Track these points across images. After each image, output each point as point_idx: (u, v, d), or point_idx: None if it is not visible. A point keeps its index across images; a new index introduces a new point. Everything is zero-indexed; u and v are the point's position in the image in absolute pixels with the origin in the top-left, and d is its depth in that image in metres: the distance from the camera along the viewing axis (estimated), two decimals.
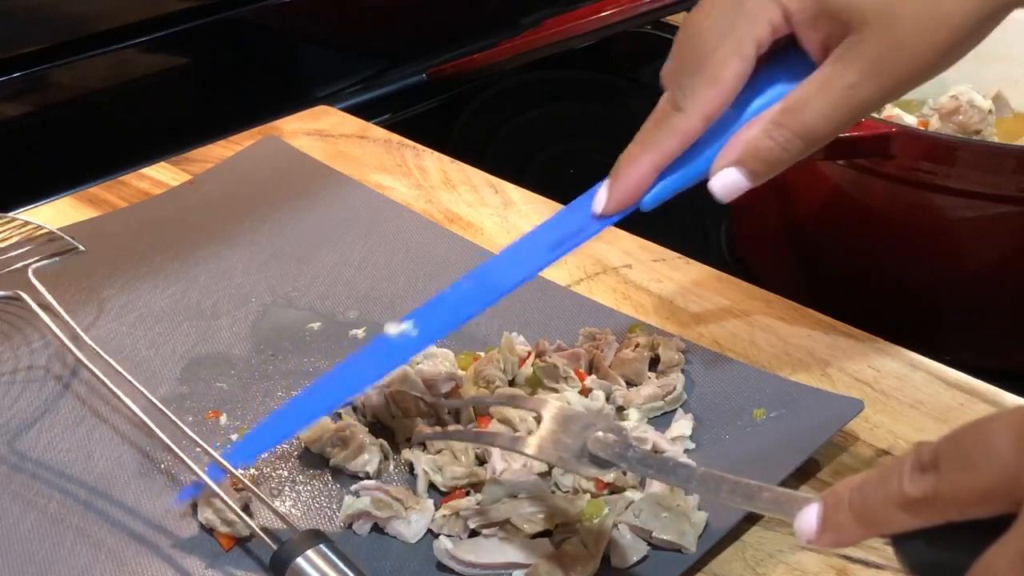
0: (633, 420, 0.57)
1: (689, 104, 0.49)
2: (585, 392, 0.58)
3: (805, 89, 0.48)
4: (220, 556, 0.50)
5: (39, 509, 0.53)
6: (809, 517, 0.37)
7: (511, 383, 0.59)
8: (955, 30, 0.47)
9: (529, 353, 0.61)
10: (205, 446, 0.52)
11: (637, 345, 0.61)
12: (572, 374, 0.59)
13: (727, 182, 0.50)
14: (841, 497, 0.36)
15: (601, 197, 0.52)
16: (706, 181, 0.51)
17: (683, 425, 0.57)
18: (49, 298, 0.61)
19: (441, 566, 0.49)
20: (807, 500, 0.37)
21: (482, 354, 0.61)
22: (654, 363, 0.61)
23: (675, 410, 0.59)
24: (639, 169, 0.51)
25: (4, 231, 0.67)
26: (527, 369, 0.59)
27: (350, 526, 0.52)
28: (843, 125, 0.48)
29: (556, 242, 0.52)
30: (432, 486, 0.54)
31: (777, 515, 0.39)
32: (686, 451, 0.56)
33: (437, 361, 0.59)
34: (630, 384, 0.60)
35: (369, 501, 0.51)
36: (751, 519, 0.52)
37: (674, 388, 0.58)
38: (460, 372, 0.59)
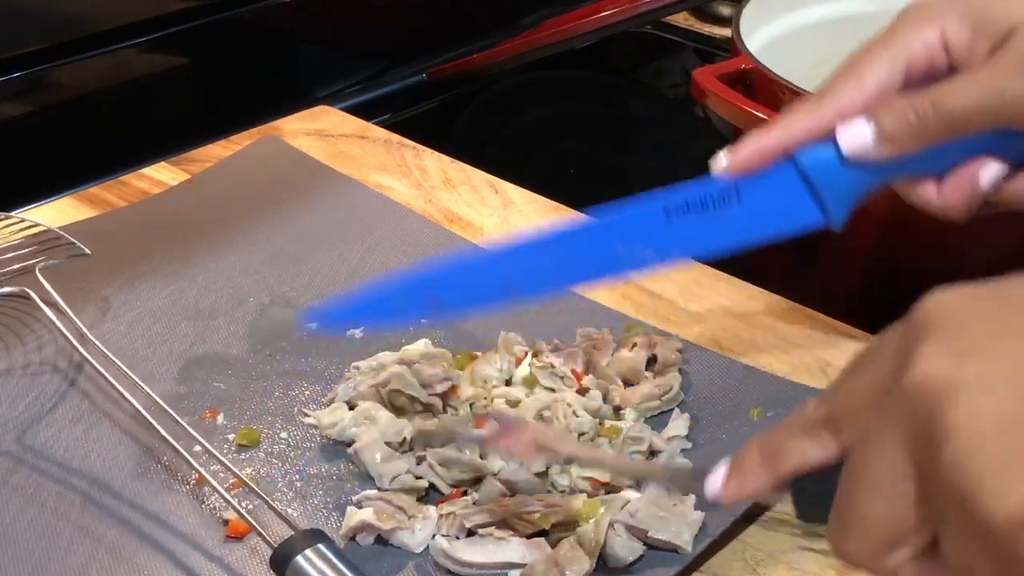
0: (630, 420, 0.57)
1: (828, 96, 0.50)
2: (583, 392, 0.58)
3: (957, 78, 0.48)
4: (219, 552, 0.50)
5: (39, 503, 0.53)
6: (718, 473, 0.37)
7: (507, 383, 0.59)
8: None
9: (526, 353, 0.60)
10: (208, 446, 0.52)
11: (634, 345, 0.61)
12: (569, 374, 0.58)
13: (853, 131, 0.49)
14: (748, 446, 0.37)
15: (721, 157, 0.52)
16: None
17: (679, 425, 0.56)
18: (56, 296, 0.61)
19: (437, 565, 0.49)
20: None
21: (479, 354, 0.61)
22: (652, 363, 0.61)
23: (672, 410, 0.58)
24: (764, 140, 0.51)
25: (10, 231, 0.68)
26: (523, 369, 0.59)
27: (353, 538, 0.51)
28: (983, 117, 0.47)
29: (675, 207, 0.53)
30: (432, 486, 0.54)
31: (681, 485, 0.42)
32: (683, 451, 0.56)
33: (435, 361, 0.59)
34: (627, 383, 0.59)
35: (371, 512, 0.51)
36: (750, 519, 0.52)
37: (671, 388, 0.58)
38: (457, 372, 0.59)
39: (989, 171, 0.49)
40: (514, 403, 0.56)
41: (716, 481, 0.38)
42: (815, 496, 0.33)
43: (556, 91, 1.15)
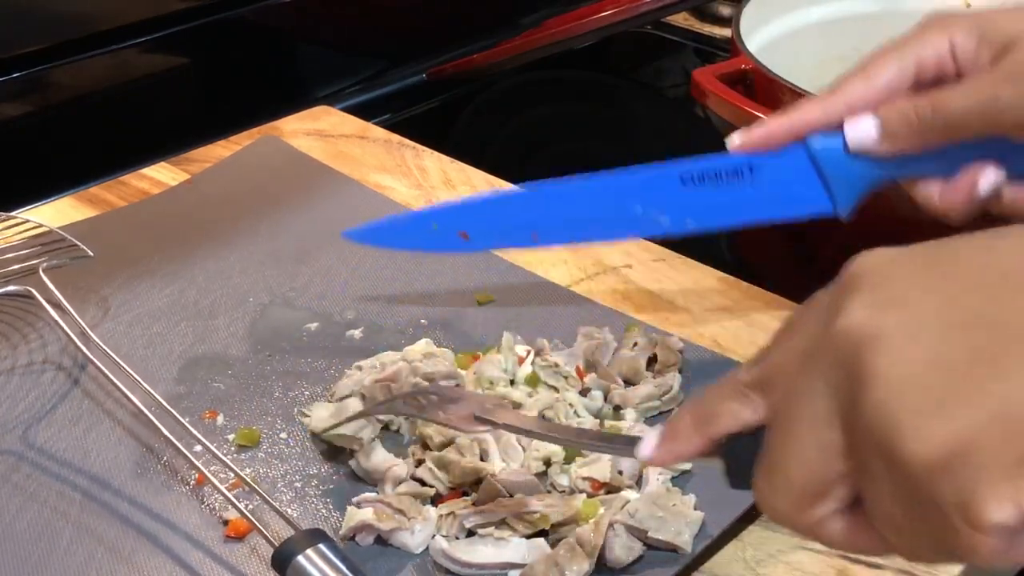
0: (629, 420, 0.57)
1: (839, 88, 0.53)
2: (585, 392, 0.58)
3: (958, 84, 0.51)
4: (219, 552, 0.50)
5: (40, 502, 0.53)
6: (650, 436, 0.38)
7: (511, 383, 0.59)
8: None
9: (529, 352, 0.60)
10: (208, 445, 0.52)
11: (635, 344, 0.61)
12: (573, 373, 0.59)
13: (859, 125, 0.52)
14: (681, 410, 0.38)
15: (735, 135, 0.56)
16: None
17: None
18: (59, 296, 0.61)
19: (437, 566, 0.49)
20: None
21: (480, 354, 0.61)
22: (652, 363, 0.61)
23: (671, 409, 0.58)
24: (776, 123, 0.55)
25: (12, 231, 0.68)
26: (527, 368, 0.59)
27: (353, 538, 0.51)
28: (977, 121, 0.50)
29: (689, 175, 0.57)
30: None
31: (617, 451, 0.44)
32: None
33: (437, 361, 0.59)
34: (628, 383, 0.59)
35: (371, 513, 0.51)
36: (750, 518, 0.52)
37: (671, 388, 0.58)
38: (460, 371, 0.59)
39: (988, 178, 0.51)
40: (517, 404, 0.56)
41: (649, 444, 0.38)
42: (747, 461, 0.34)
43: (556, 91, 1.15)
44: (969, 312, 0.29)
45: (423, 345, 0.61)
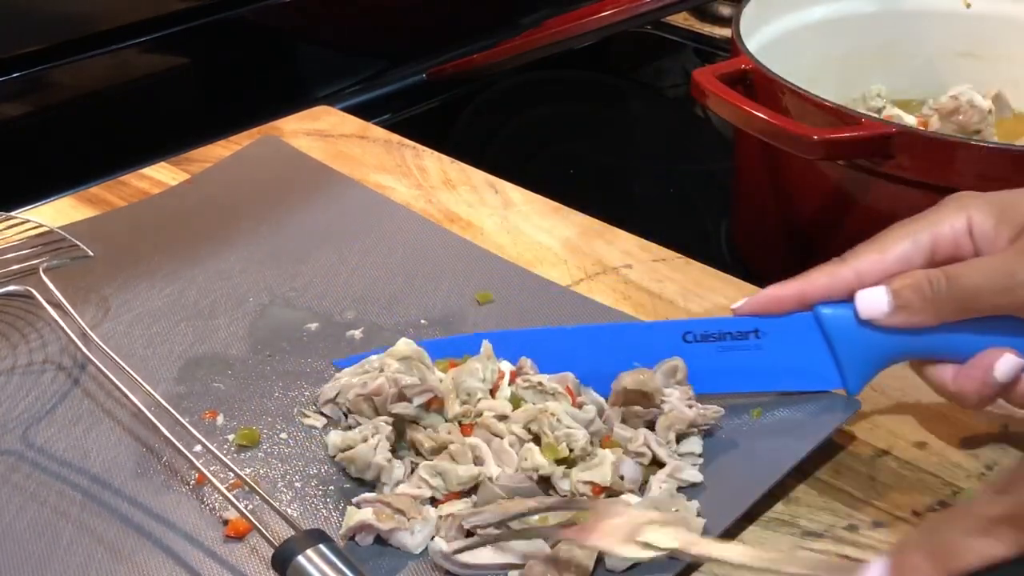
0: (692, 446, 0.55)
1: (851, 258, 0.53)
2: (579, 406, 0.55)
3: (975, 259, 0.51)
4: (219, 552, 0.50)
5: (40, 502, 0.53)
6: (876, 569, 0.36)
7: (492, 393, 0.57)
8: None
9: (513, 374, 0.57)
10: (209, 445, 0.52)
11: None
12: (561, 390, 0.55)
13: (870, 295, 0.52)
14: (909, 547, 0.35)
15: (742, 300, 0.56)
16: None
17: (693, 443, 0.55)
18: (59, 296, 0.61)
19: (437, 566, 0.49)
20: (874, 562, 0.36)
21: (459, 362, 0.58)
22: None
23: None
24: (784, 288, 0.55)
25: (13, 231, 0.68)
26: (505, 391, 0.57)
27: (352, 538, 0.51)
28: (993, 296, 0.49)
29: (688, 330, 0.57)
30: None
31: None
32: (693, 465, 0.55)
33: (412, 364, 0.57)
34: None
35: (371, 513, 0.51)
36: (749, 518, 0.52)
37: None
38: (438, 378, 0.57)
39: (1006, 364, 0.50)
40: (501, 417, 0.55)
41: None
42: None
43: (556, 91, 1.15)
44: None
45: (402, 345, 0.58)
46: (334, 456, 0.55)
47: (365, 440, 0.54)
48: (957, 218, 0.51)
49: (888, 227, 0.53)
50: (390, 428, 0.55)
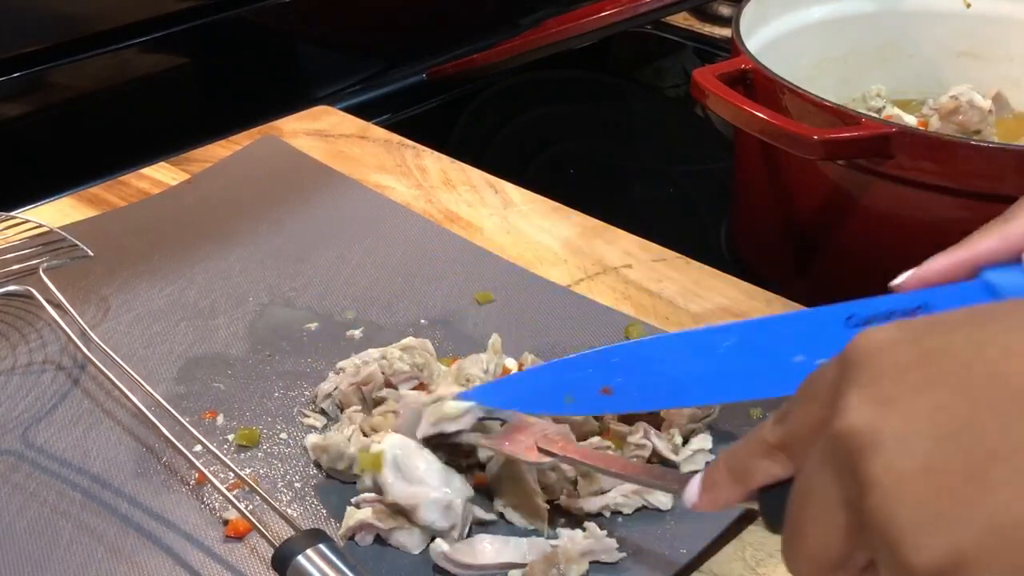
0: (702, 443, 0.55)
1: (1015, 217, 0.48)
2: None
3: None
4: (219, 552, 0.50)
5: (40, 502, 0.53)
6: (694, 483, 0.40)
7: None
8: None
9: (518, 367, 0.58)
10: (209, 445, 0.52)
11: None
12: None
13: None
14: (718, 460, 0.39)
15: (903, 274, 0.51)
16: None
17: (703, 439, 0.55)
18: (59, 296, 0.61)
19: (438, 568, 0.49)
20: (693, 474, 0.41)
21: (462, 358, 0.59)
22: None
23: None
24: (948, 256, 0.49)
25: (13, 231, 0.68)
26: None
27: (352, 538, 0.51)
28: None
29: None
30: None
31: (667, 488, 0.46)
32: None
33: (415, 353, 0.58)
34: None
35: (370, 512, 0.51)
36: (749, 518, 0.52)
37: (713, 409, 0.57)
38: (430, 366, 0.58)
39: None
40: None
41: (692, 492, 0.40)
42: (782, 503, 0.35)
43: (556, 91, 1.15)
44: (957, 420, 0.30)
45: (406, 340, 0.59)
46: (315, 459, 0.55)
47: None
48: None
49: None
50: (362, 416, 0.55)
